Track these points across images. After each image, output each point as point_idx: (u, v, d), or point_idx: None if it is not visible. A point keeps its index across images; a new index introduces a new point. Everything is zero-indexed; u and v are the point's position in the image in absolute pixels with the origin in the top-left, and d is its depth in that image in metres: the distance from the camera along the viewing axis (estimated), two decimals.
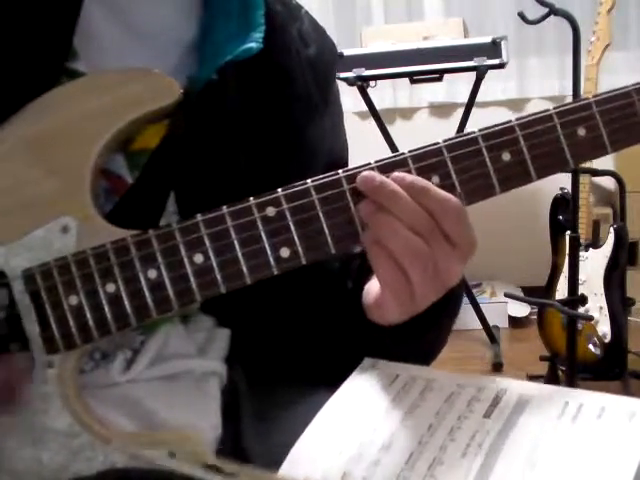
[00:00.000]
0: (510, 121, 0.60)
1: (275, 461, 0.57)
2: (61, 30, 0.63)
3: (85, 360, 0.64)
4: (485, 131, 0.60)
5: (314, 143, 0.76)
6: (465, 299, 2.65)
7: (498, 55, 2.43)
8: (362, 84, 2.54)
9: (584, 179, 2.17)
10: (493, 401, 0.58)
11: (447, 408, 0.58)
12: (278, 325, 0.74)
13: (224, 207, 0.59)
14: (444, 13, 3.07)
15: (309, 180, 0.59)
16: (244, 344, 0.74)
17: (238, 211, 0.59)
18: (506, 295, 2.14)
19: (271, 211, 0.59)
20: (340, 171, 0.59)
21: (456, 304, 0.69)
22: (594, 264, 2.21)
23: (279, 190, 0.59)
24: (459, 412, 0.57)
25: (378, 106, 2.72)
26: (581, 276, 2.02)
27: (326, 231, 0.59)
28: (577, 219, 1.96)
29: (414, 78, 2.61)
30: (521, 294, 2.85)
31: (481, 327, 2.77)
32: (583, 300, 2.12)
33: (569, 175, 1.93)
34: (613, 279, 2.19)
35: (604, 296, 2.18)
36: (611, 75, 2.44)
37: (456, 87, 3.05)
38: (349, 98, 2.79)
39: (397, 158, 0.60)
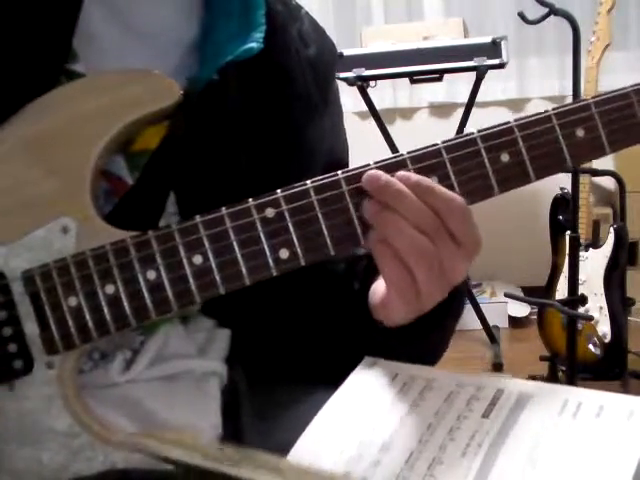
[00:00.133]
0: (509, 122, 0.60)
1: None
2: (61, 31, 0.63)
3: (84, 360, 0.64)
4: (484, 132, 0.60)
5: (314, 143, 0.76)
6: (465, 299, 2.64)
7: (498, 55, 2.42)
8: (362, 84, 2.54)
9: (584, 179, 2.17)
10: (492, 400, 0.58)
11: (447, 407, 0.58)
12: (278, 325, 0.74)
13: (223, 208, 0.59)
14: (444, 13, 3.07)
15: (308, 181, 0.59)
16: (244, 344, 0.74)
17: (237, 212, 0.59)
18: (506, 295, 2.14)
19: (270, 212, 0.59)
20: (339, 172, 0.59)
21: (459, 303, 0.70)
22: (594, 264, 2.21)
23: (278, 191, 0.59)
24: (459, 411, 0.57)
25: (378, 106, 2.71)
26: (581, 276, 2.02)
27: (325, 232, 0.59)
28: (577, 219, 1.96)
29: (414, 78, 2.60)
30: (521, 294, 2.84)
31: (481, 327, 2.76)
32: (583, 300, 2.12)
33: (569, 175, 1.93)
34: (613, 279, 2.19)
35: (604, 296, 2.18)
36: (611, 75, 2.44)
37: (456, 87, 3.05)
38: (349, 98, 2.79)
39: (396, 159, 0.60)
